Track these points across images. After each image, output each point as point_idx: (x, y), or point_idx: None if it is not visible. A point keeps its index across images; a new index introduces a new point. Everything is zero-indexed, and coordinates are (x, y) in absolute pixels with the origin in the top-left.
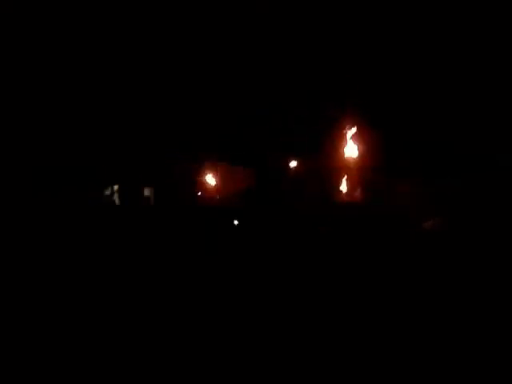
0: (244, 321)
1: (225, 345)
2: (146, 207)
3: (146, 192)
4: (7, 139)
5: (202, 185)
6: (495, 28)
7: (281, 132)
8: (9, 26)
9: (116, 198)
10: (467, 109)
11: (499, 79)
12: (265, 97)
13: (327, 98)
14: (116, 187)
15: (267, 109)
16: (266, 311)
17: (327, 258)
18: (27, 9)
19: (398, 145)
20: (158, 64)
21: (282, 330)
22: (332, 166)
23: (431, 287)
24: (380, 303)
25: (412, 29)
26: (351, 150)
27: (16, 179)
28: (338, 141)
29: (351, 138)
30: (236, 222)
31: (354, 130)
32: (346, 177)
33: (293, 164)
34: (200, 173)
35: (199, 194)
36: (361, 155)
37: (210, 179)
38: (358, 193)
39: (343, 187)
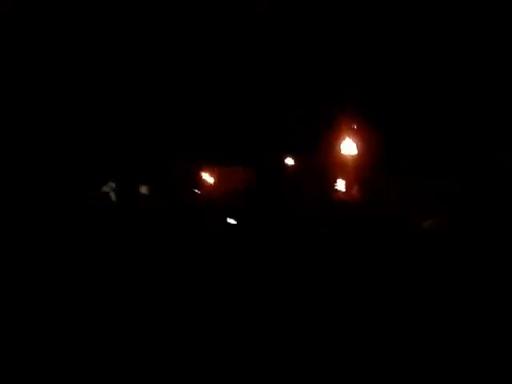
0: (243, 320)
1: (224, 344)
2: (144, 206)
3: (146, 191)
4: (7, 139)
5: (202, 184)
6: (495, 29)
7: (281, 132)
8: (9, 26)
9: (115, 196)
10: (467, 109)
11: (499, 80)
12: (264, 97)
13: (327, 98)
14: (115, 186)
15: (267, 109)
16: (265, 309)
17: (327, 258)
18: (27, 9)
19: (397, 144)
20: (158, 65)
21: (282, 328)
22: (332, 165)
23: (431, 285)
24: (380, 301)
25: (412, 30)
26: (351, 149)
27: (16, 178)
28: (338, 141)
29: (351, 137)
30: (235, 222)
31: (353, 129)
32: (345, 177)
33: (292, 164)
34: (200, 172)
35: (199, 193)
36: (360, 155)
37: (210, 179)
38: (357, 192)
39: (343, 187)
